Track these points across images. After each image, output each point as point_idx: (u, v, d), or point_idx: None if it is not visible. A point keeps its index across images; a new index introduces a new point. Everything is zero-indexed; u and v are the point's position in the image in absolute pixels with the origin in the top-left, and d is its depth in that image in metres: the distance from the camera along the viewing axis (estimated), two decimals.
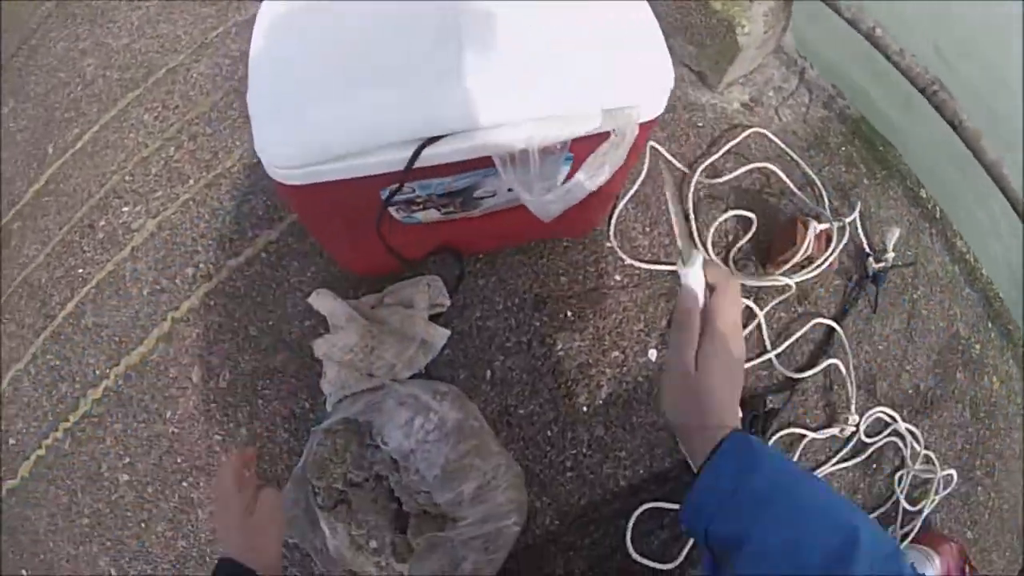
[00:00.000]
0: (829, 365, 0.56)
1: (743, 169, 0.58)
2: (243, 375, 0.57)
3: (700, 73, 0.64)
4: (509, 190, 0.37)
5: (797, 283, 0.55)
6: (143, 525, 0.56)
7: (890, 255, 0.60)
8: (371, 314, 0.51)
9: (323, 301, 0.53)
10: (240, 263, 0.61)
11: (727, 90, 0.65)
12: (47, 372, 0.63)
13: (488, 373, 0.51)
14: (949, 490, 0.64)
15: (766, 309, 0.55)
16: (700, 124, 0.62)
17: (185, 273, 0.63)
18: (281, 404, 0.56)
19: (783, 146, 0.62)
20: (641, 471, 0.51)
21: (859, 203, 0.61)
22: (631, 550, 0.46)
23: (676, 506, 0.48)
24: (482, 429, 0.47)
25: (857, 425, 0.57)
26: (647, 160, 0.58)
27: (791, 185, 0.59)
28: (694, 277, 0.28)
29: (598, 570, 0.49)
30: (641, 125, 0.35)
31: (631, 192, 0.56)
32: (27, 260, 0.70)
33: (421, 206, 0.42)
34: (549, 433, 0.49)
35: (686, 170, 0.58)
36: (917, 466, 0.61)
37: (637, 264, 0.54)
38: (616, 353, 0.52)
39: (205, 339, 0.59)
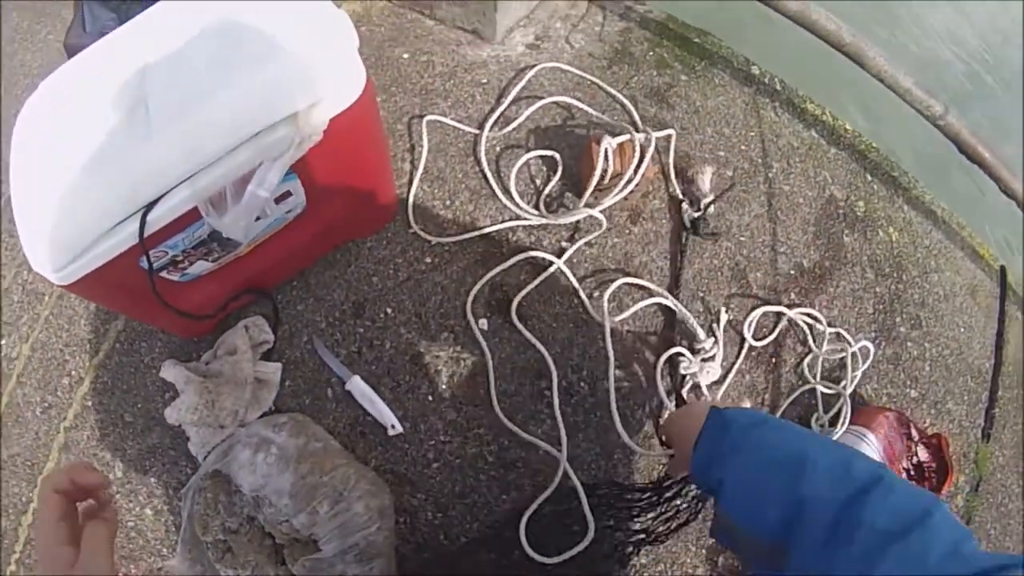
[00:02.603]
0: (620, 286, 0.52)
1: (532, 109, 0.57)
2: (131, 460, 0.59)
3: (474, 31, 0.63)
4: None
5: (622, 199, 0.53)
6: None
7: (707, 198, 0.55)
8: (206, 370, 0.52)
9: (169, 371, 0.54)
10: (101, 359, 0.63)
11: (508, 38, 0.63)
12: None
13: (329, 391, 0.51)
14: (870, 360, 0.61)
15: (572, 250, 0.51)
16: (485, 81, 0.61)
17: (63, 384, 0.66)
18: (169, 476, 0.57)
19: (578, 72, 0.60)
20: (505, 441, 0.50)
21: (676, 106, 0.59)
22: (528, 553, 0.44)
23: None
24: (325, 448, 0.47)
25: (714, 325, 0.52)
26: (425, 137, 0.57)
27: (589, 110, 0.57)
28: None
29: (497, 548, 0.48)
30: (339, 117, 0.36)
31: (420, 172, 0.56)
32: None
33: (185, 262, 0.43)
34: (402, 430, 0.49)
35: (476, 131, 0.57)
36: (825, 347, 0.58)
37: (444, 240, 0.53)
38: (445, 334, 0.51)
39: (94, 438, 0.61)
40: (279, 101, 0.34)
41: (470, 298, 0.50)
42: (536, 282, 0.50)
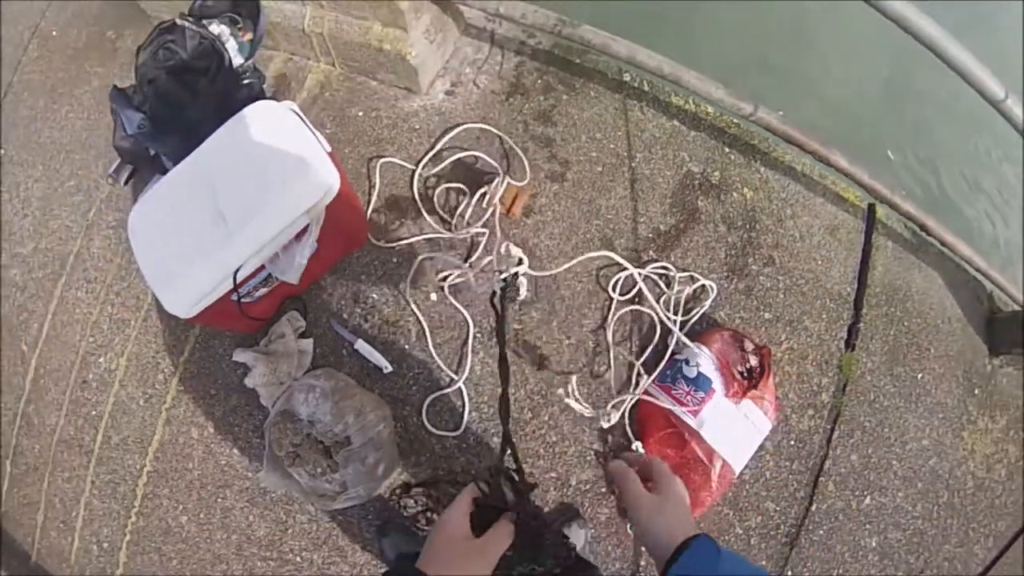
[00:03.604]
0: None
1: (452, 159, 1.12)
2: (219, 419, 1.19)
3: (406, 88, 1.15)
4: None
5: (518, 204, 1.07)
6: (207, 541, 1.20)
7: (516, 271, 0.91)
8: (267, 350, 1.10)
9: (240, 355, 1.13)
10: (187, 356, 1.22)
11: (431, 89, 1.15)
12: (105, 486, 1.28)
13: (344, 352, 1.08)
14: (715, 294, 1.11)
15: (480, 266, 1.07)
16: (417, 127, 1.14)
17: (158, 379, 1.26)
18: (248, 424, 1.17)
19: (484, 126, 1.14)
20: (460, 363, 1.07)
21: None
22: (427, 423, 1.04)
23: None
24: (347, 384, 1.04)
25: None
26: (378, 176, 1.11)
27: (488, 159, 1.12)
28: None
29: (463, 435, 1.05)
30: (330, 202, 0.91)
31: (371, 203, 1.11)
32: (53, 427, 1.37)
33: (255, 291, 1.01)
34: (392, 369, 1.06)
35: (413, 167, 1.11)
36: (675, 288, 1.10)
37: (395, 245, 1.10)
38: (412, 306, 1.08)
39: (189, 410, 1.21)
40: (299, 204, 0.89)
41: (408, 280, 1.07)
42: (457, 277, 1.08)
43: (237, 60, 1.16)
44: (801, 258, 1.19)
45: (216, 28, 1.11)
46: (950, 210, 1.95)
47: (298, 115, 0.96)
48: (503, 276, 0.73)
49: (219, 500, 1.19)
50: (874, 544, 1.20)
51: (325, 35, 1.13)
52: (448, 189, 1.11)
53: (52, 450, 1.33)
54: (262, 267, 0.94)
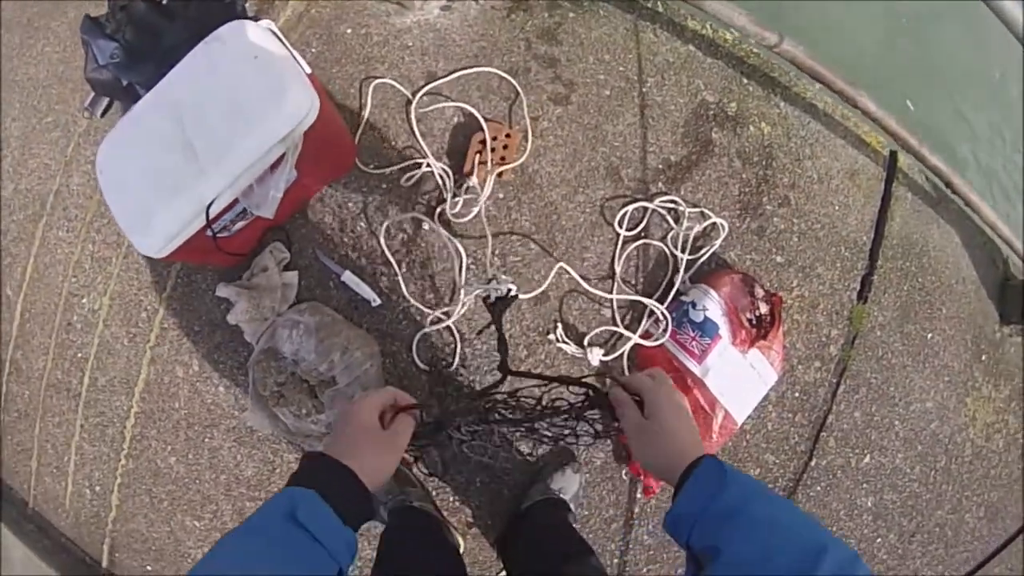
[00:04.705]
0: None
1: (445, 79, 1.01)
2: (204, 358, 1.12)
3: (398, 3, 1.03)
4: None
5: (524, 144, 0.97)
6: (196, 482, 1.15)
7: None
8: (249, 284, 1.02)
9: (222, 289, 1.05)
10: (169, 292, 1.15)
11: (426, 4, 1.03)
12: (94, 429, 1.23)
13: (331, 283, 1.00)
14: (725, 233, 1.02)
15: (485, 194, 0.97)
16: (410, 44, 1.03)
17: (141, 317, 1.19)
18: (232, 362, 1.10)
19: (492, 70, 1.02)
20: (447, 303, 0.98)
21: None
22: (417, 360, 0.97)
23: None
24: (333, 319, 0.96)
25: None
26: (370, 98, 1.01)
27: (477, 114, 1.00)
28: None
29: (456, 374, 0.98)
30: (308, 129, 0.80)
31: (361, 126, 1.01)
32: (41, 372, 1.30)
33: (232, 226, 0.93)
34: (381, 302, 0.98)
35: (409, 95, 1.01)
36: (685, 224, 1.00)
37: (385, 171, 1.00)
38: (401, 235, 0.99)
39: (173, 348, 1.15)
40: (274, 132, 0.79)
41: (398, 208, 0.98)
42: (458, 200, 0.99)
43: None
44: (818, 201, 1.09)
45: None
46: (958, 168, 1.83)
47: (275, 35, 0.85)
48: (499, 288, 0.72)
49: (206, 440, 1.13)
50: (870, 504, 1.14)
51: None
52: (443, 109, 1.01)
53: (41, 395, 1.27)
54: (237, 200, 0.86)
